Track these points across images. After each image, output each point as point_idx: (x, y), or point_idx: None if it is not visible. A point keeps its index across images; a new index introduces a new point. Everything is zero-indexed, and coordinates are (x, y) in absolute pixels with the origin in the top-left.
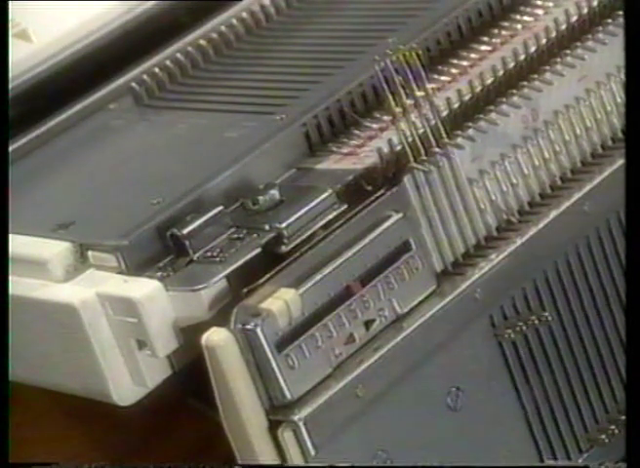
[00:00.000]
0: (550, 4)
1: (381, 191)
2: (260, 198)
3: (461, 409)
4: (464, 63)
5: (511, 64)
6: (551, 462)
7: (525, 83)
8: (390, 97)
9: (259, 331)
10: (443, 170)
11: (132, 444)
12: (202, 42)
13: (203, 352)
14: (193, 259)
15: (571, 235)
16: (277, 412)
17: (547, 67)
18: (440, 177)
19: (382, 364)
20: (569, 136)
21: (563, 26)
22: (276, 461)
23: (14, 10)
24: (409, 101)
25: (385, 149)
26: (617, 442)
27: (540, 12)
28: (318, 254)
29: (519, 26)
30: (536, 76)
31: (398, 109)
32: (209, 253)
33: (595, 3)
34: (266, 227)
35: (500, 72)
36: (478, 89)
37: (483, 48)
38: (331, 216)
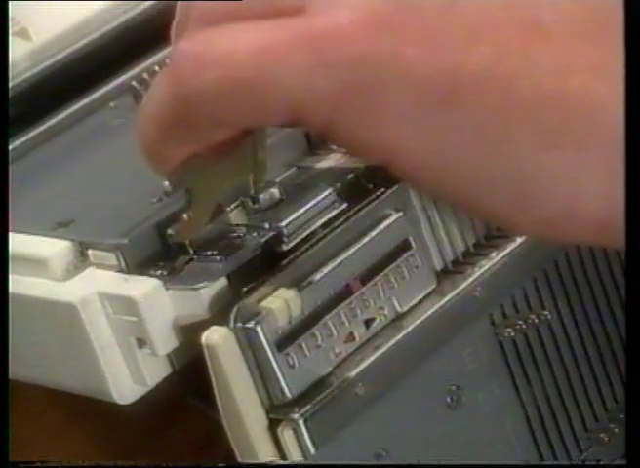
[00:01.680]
0: None
1: (382, 190)
2: (261, 197)
3: (461, 407)
4: None
5: None
6: (551, 462)
7: None
8: None
9: (259, 329)
10: None
11: (132, 442)
12: None
13: (203, 351)
14: (193, 258)
15: None
16: (277, 411)
17: None
18: None
19: (383, 362)
20: None
21: None
22: (276, 460)
23: (13, 9)
24: None
25: None
26: (617, 441)
27: None
28: (318, 253)
29: None
30: None
31: None
32: (209, 252)
33: None
34: (266, 226)
35: None
36: None
37: None
38: (331, 215)
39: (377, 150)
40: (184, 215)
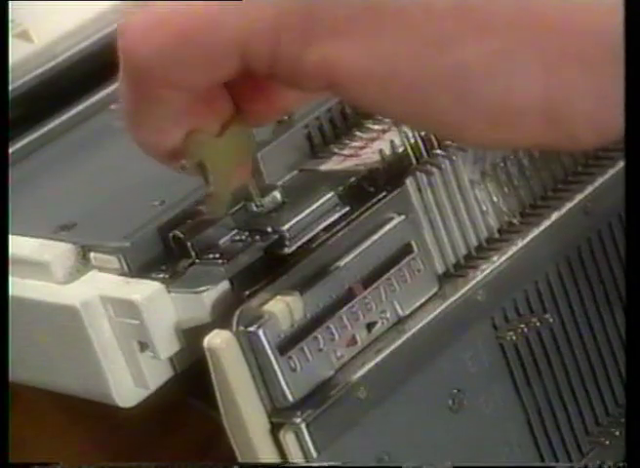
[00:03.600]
0: None
1: (384, 193)
2: (264, 200)
3: (463, 410)
4: None
5: None
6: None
7: None
8: None
9: (261, 333)
10: (445, 172)
11: (133, 444)
12: None
13: (205, 354)
14: (195, 261)
15: (572, 237)
16: (279, 415)
17: None
18: (442, 179)
19: (384, 366)
20: None
21: None
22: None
23: (15, 10)
24: None
25: (387, 151)
26: (617, 444)
27: None
28: (320, 257)
29: None
30: None
31: None
32: (211, 255)
33: None
34: (269, 229)
35: None
36: None
37: None
38: (333, 219)
39: (319, 70)
40: (208, 192)
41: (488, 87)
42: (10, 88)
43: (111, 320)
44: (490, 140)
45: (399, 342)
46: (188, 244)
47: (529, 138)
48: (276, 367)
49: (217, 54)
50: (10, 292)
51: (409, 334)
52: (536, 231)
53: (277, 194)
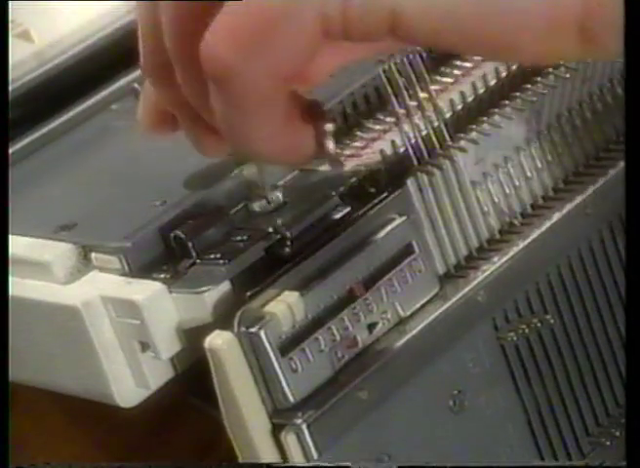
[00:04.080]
0: None
1: (385, 194)
2: (265, 199)
3: (464, 411)
4: (467, 65)
5: (514, 66)
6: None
7: (528, 85)
8: (393, 99)
9: (262, 334)
10: (446, 172)
11: (133, 444)
12: None
13: (206, 354)
14: (196, 262)
15: (573, 238)
16: (280, 416)
17: (551, 70)
18: (443, 180)
19: (385, 367)
20: (572, 139)
21: None
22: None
23: (15, 10)
24: (412, 103)
25: (389, 151)
26: (618, 444)
27: None
28: (321, 257)
29: None
30: (539, 79)
31: (401, 111)
32: (212, 256)
33: None
34: (270, 229)
35: (504, 74)
36: (481, 91)
37: None
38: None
39: (385, 19)
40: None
41: (538, 4)
42: (10, 88)
43: (112, 320)
44: (542, 56)
45: (400, 343)
46: (189, 244)
47: (568, 51)
48: (277, 367)
49: (303, 32)
50: (10, 293)
51: (410, 335)
52: (537, 232)
53: (278, 194)
